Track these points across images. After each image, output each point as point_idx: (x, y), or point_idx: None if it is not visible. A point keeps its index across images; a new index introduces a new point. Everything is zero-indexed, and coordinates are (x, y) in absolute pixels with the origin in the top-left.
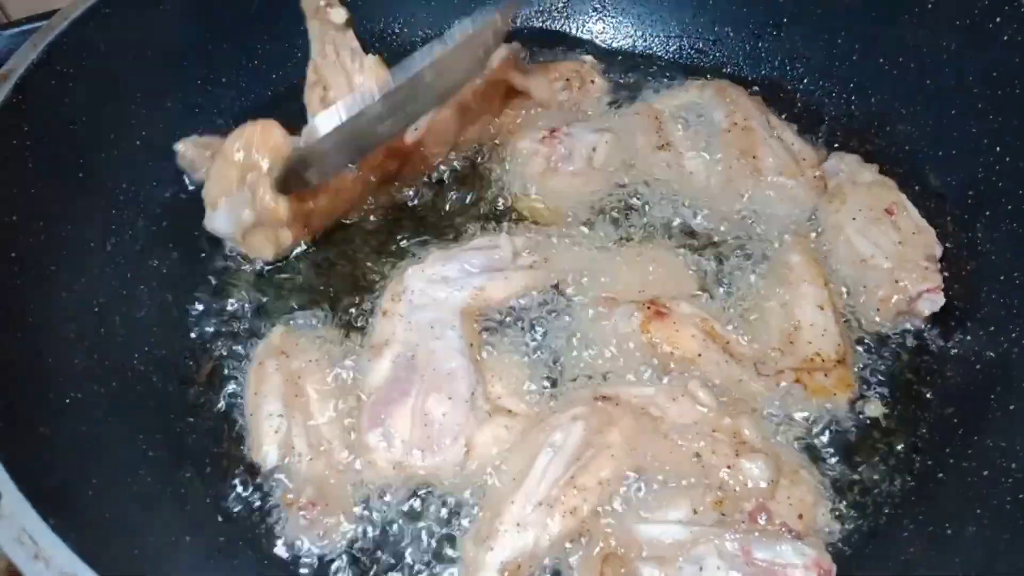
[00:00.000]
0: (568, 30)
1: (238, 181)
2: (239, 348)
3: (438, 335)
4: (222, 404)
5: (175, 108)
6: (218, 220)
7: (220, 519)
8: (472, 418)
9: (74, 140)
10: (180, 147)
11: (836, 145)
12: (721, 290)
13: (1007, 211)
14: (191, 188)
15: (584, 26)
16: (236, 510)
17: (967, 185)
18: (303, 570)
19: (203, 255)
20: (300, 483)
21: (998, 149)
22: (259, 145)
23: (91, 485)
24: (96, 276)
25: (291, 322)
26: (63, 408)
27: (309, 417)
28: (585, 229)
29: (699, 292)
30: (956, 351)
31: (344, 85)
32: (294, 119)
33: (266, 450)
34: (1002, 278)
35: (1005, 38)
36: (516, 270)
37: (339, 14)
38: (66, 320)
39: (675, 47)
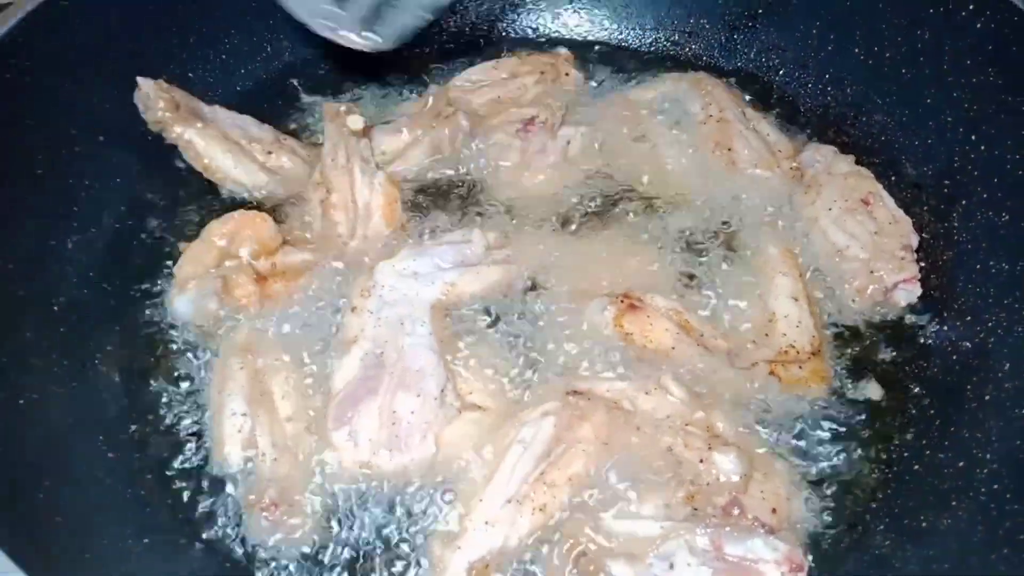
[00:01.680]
0: (543, 23)
1: (214, 266)
2: (202, 346)
3: (408, 331)
4: (185, 404)
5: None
6: (182, 304)
7: (180, 521)
8: (441, 415)
9: (33, 133)
10: (143, 82)
11: (812, 136)
12: (696, 282)
13: (983, 200)
14: (159, 183)
15: (559, 18)
16: (197, 512)
17: (943, 175)
18: (263, 572)
19: (168, 252)
20: (263, 483)
21: (974, 138)
22: (246, 237)
23: (43, 488)
24: (56, 275)
25: (257, 320)
26: (19, 408)
27: (274, 416)
28: (558, 222)
29: (673, 285)
30: (932, 342)
31: (348, 192)
32: (263, 115)
33: (228, 450)
34: (978, 267)
35: (979, 25)
36: (488, 265)
37: (356, 121)
38: (23, 320)
39: (650, 39)
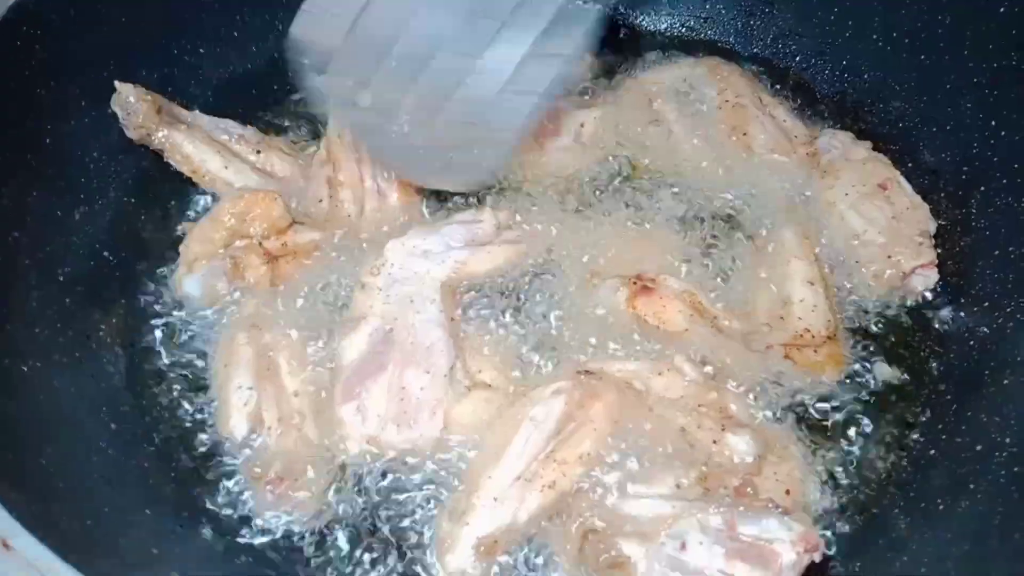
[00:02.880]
0: None
1: (223, 246)
2: (209, 321)
3: (418, 309)
4: (189, 374)
5: (149, 76)
6: (190, 284)
7: (184, 494)
8: (451, 393)
9: (42, 102)
10: (122, 87)
11: (829, 123)
12: (710, 266)
13: (1002, 185)
14: (165, 161)
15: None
16: (201, 485)
17: (962, 161)
18: (269, 548)
19: (176, 225)
20: (269, 457)
21: (994, 123)
22: (256, 216)
23: (47, 455)
24: (62, 245)
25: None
26: (22, 375)
27: (281, 391)
28: (572, 203)
29: (687, 267)
30: (949, 327)
31: (355, 169)
32: (271, 95)
33: (234, 423)
34: (996, 253)
35: (1002, 10)
36: (499, 244)
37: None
38: (28, 289)
39: (665, 25)
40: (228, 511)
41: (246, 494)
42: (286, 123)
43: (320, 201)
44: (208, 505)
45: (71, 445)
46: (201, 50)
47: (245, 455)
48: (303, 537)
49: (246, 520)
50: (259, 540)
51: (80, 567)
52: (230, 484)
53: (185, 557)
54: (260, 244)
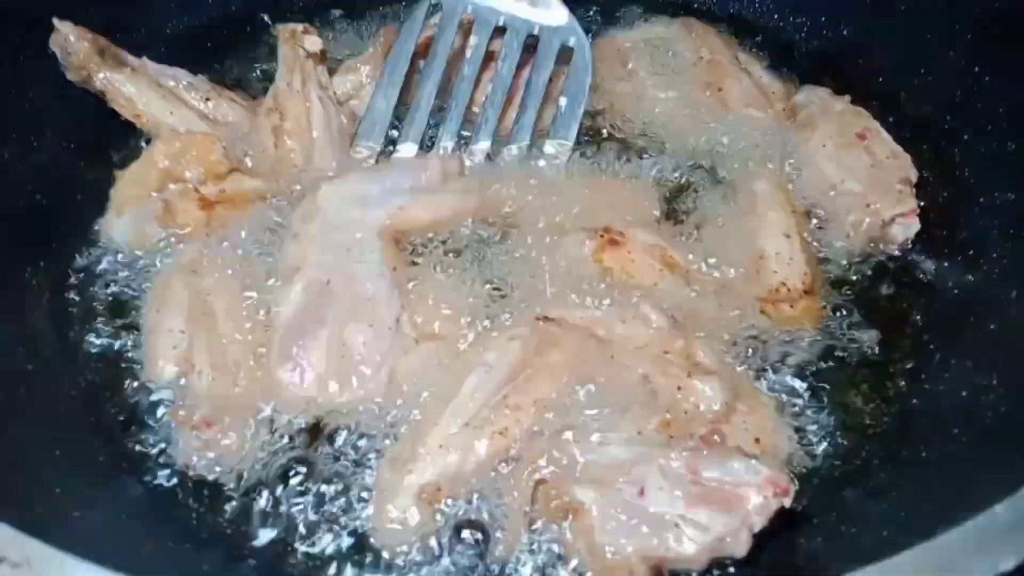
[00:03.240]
0: None
1: (156, 190)
2: (144, 263)
3: (357, 258)
4: (118, 320)
5: (98, 26)
6: (117, 228)
7: (102, 440)
8: (397, 346)
9: None
10: (61, 25)
11: (807, 80)
12: (682, 220)
13: (986, 132)
14: (109, 107)
15: None
16: (125, 431)
17: (944, 110)
18: (191, 497)
19: (115, 171)
20: (197, 401)
21: (976, 69)
22: (192, 159)
23: None
24: None
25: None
26: None
27: (214, 336)
28: (536, 157)
29: (658, 222)
30: (932, 277)
31: (304, 119)
32: (226, 50)
33: (161, 365)
34: (982, 200)
35: None
36: (447, 192)
37: (314, 43)
38: None
39: None
40: (149, 459)
41: (172, 439)
42: (239, 77)
43: (264, 151)
44: (127, 453)
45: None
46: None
47: (173, 400)
48: (228, 487)
49: (170, 466)
50: (182, 490)
51: None
52: (154, 428)
53: (107, 504)
54: (196, 189)
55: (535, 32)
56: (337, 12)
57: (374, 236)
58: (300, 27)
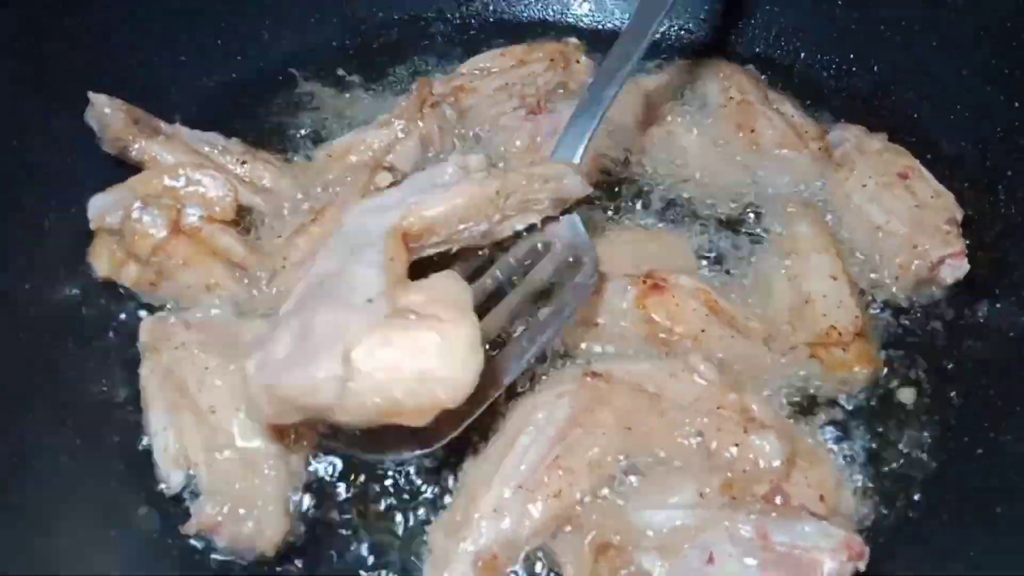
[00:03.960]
0: (552, 14)
1: (143, 194)
2: None
3: (358, 258)
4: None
5: (129, 85)
6: (97, 199)
7: (153, 513)
8: (365, 323)
9: (12, 109)
10: (95, 98)
11: (839, 119)
12: (722, 266)
13: None
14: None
15: (569, 10)
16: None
17: (985, 148)
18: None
19: None
20: (208, 498)
21: (1017, 104)
22: (196, 193)
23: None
24: (29, 253)
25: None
26: None
27: (198, 414)
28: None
29: (698, 268)
30: (984, 321)
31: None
32: (255, 106)
33: (165, 474)
34: None
35: None
36: (462, 183)
37: (384, 178)
38: None
39: (664, 27)
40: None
41: None
42: (271, 131)
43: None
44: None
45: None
46: (183, 57)
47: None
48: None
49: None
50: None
51: None
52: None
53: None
54: (179, 209)
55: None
56: (356, 78)
57: (379, 236)
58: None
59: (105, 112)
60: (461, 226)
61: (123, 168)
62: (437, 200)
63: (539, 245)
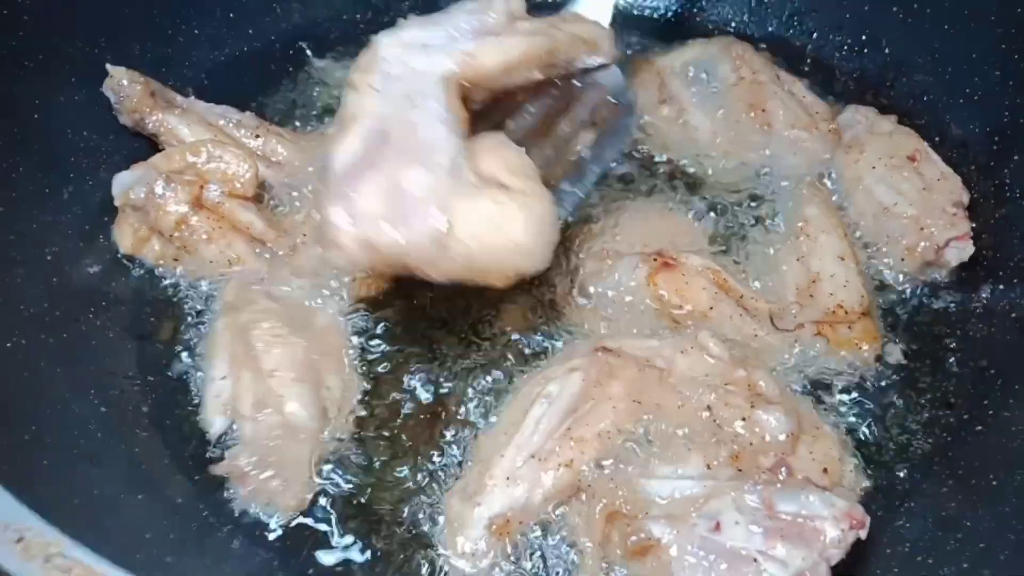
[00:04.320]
0: None
1: (166, 170)
2: (198, 305)
3: (416, 105)
4: (181, 366)
5: (142, 55)
6: (122, 176)
7: (178, 480)
8: (456, 188)
9: (28, 81)
10: (114, 70)
11: (850, 100)
12: (732, 245)
13: None
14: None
15: None
16: (195, 473)
17: (992, 131)
18: (263, 534)
19: None
20: (243, 449)
21: None
22: (218, 170)
23: (30, 431)
24: (50, 224)
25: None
26: (6, 350)
27: (258, 373)
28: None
29: (708, 247)
30: (987, 302)
31: None
32: (268, 78)
33: (208, 419)
34: None
35: None
36: (513, 35)
37: None
38: (12, 265)
39: (676, 6)
40: (221, 499)
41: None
42: (282, 107)
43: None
44: (202, 492)
45: (56, 423)
46: (196, 31)
47: (224, 446)
48: (290, 524)
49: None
50: (256, 529)
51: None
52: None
53: (180, 542)
54: (201, 186)
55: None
56: None
57: (436, 83)
58: None
59: (123, 84)
60: (507, 80)
61: (140, 140)
62: (491, 51)
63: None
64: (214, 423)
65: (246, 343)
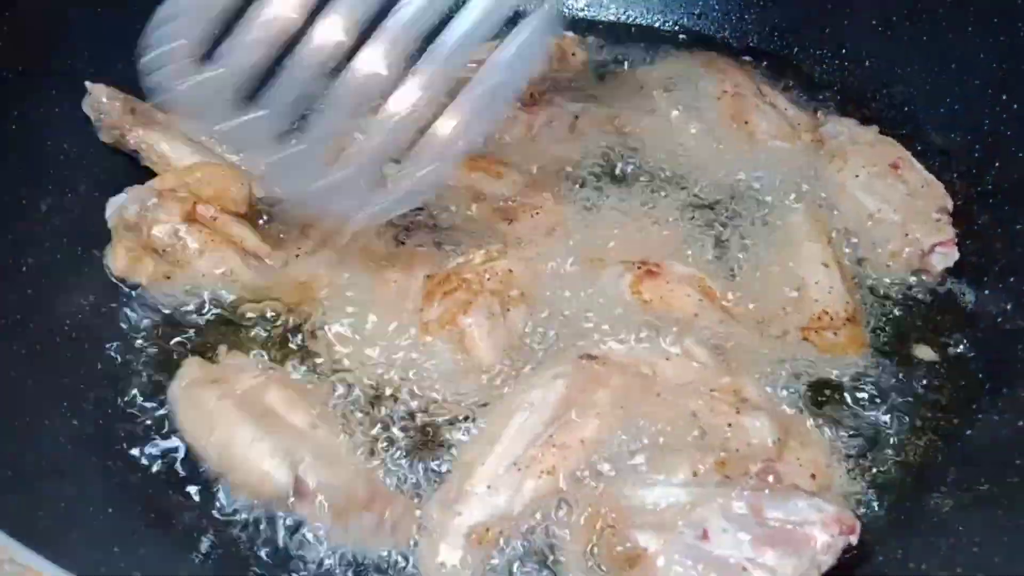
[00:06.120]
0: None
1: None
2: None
3: None
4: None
5: (125, 70)
6: (114, 202)
7: (150, 495)
8: None
9: (7, 93)
10: (93, 88)
11: (832, 112)
12: (717, 254)
13: (1019, 159)
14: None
15: (565, 3)
16: (168, 490)
17: (973, 139)
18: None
19: None
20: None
21: (1004, 97)
22: (209, 190)
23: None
24: (25, 236)
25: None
26: None
27: (296, 432)
28: (567, 192)
29: (694, 256)
30: (973, 307)
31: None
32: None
33: (273, 475)
34: (1018, 227)
35: None
36: None
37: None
38: None
39: (658, 20)
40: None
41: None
42: None
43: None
44: (177, 509)
45: (26, 436)
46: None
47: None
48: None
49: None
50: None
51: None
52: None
53: (149, 557)
54: (195, 204)
55: None
56: None
57: None
58: None
59: (102, 101)
60: None
61: (122, 153)
62: None
63: None
64: (281, 477)
65: (262, 408)
